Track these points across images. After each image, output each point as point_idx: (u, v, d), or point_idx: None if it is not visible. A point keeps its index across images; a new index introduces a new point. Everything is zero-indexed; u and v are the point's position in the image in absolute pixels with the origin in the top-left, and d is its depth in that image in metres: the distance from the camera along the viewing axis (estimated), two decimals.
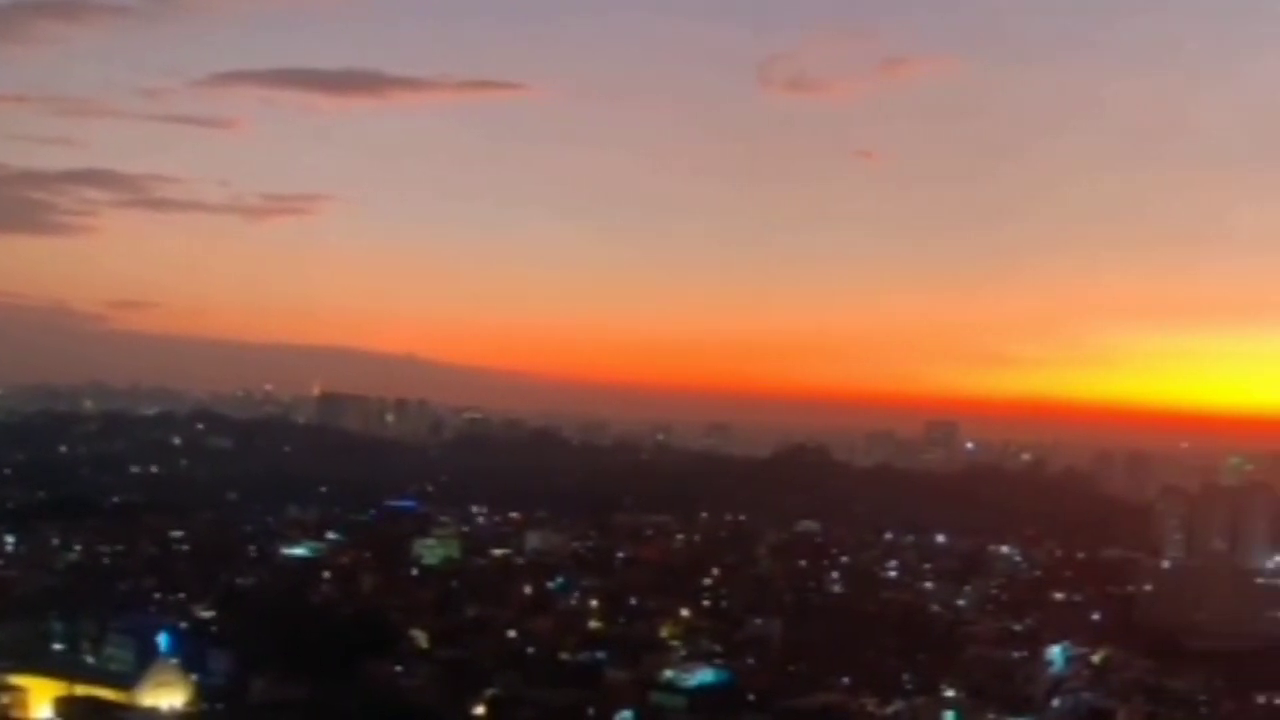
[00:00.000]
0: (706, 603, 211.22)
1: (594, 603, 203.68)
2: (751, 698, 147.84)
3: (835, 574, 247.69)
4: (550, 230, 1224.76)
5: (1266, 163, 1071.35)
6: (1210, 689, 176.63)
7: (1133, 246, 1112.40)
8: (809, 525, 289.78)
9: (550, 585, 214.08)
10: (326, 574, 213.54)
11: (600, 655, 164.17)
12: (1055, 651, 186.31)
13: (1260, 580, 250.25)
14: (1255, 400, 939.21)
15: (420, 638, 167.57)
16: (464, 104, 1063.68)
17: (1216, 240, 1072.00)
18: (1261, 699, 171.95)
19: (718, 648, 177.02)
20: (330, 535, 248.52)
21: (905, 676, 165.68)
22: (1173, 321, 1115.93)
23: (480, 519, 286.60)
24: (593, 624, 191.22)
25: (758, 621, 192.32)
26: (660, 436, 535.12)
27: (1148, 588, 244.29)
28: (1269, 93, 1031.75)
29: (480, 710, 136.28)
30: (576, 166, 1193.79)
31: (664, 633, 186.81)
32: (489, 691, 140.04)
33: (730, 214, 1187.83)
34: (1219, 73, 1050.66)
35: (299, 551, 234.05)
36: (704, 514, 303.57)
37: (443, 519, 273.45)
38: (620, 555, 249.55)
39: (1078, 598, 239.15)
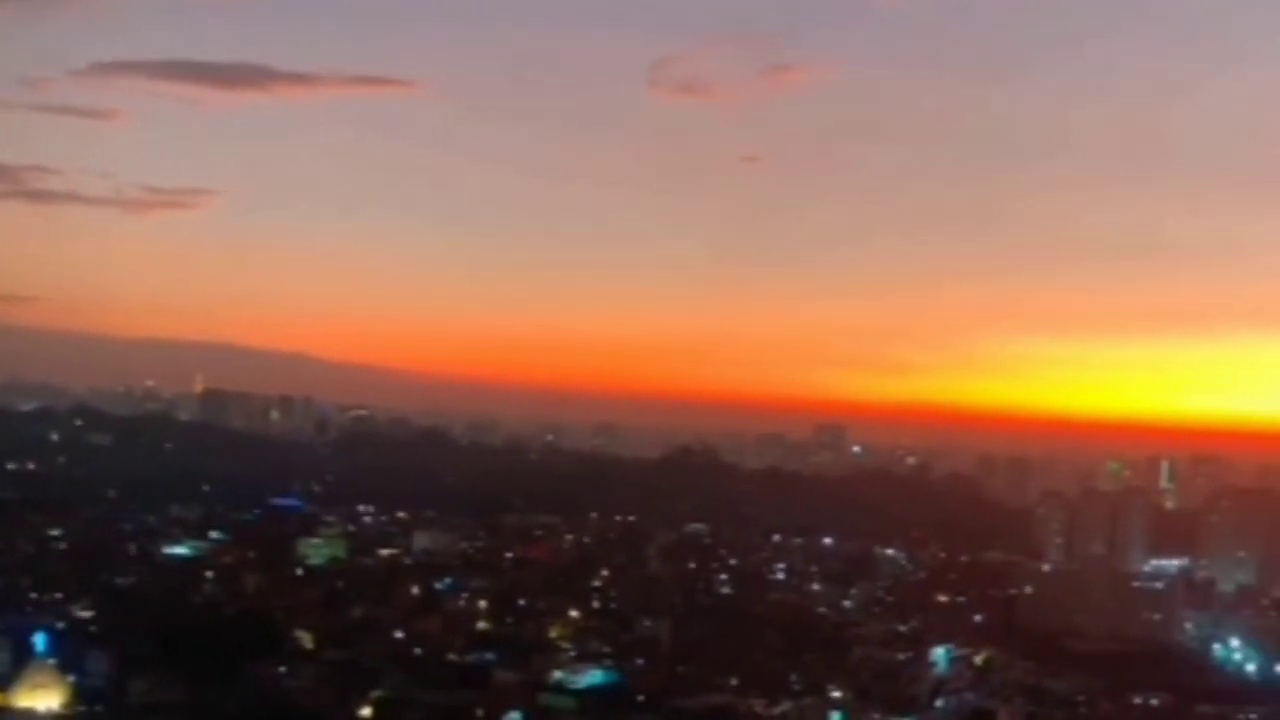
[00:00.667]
0: (596, 604, 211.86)
1: (483, 603, 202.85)
2: (641, 698, 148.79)
3: (724, 575, 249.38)
4: (438, 230, 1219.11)
5: (1145, 173, 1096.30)
6: (1089, 690, 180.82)
7: (1016, 256, 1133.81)
8: (698, 527, 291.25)
9: (438, 586, 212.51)
10: (209, 573, 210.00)
11: (489, 656, 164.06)
12: (939, 653, 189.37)
13: (1137, 583, 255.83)
14: (1132, 407, 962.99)
15: (305, 638, 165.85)
16: (352, 101, 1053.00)
17: (1096, 250, 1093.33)
18: (1138, 700, 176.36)
19: (607, 649, 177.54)
20: (213, 534, 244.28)
21: (793, 677, 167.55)
22: (1053, 330, 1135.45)
23: (367, 518, 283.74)
24: (481, 625, 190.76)
25: (647, 623, 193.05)
26: (549, 437, 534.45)
27: (1029, 590, 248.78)
28: (1146, 102, 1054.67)
29: (367, 712, 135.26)
30: (465, 166, 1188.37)
31: (553, 634, 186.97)
32: (376, 693, 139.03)
33: (619, 216, 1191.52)
34: (1100, 83, 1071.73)
35: (181, 551, 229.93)
36: (593, 515, 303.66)
37: (328, 518, 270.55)
38: (509, 556, 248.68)
39: (961, 600, 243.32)
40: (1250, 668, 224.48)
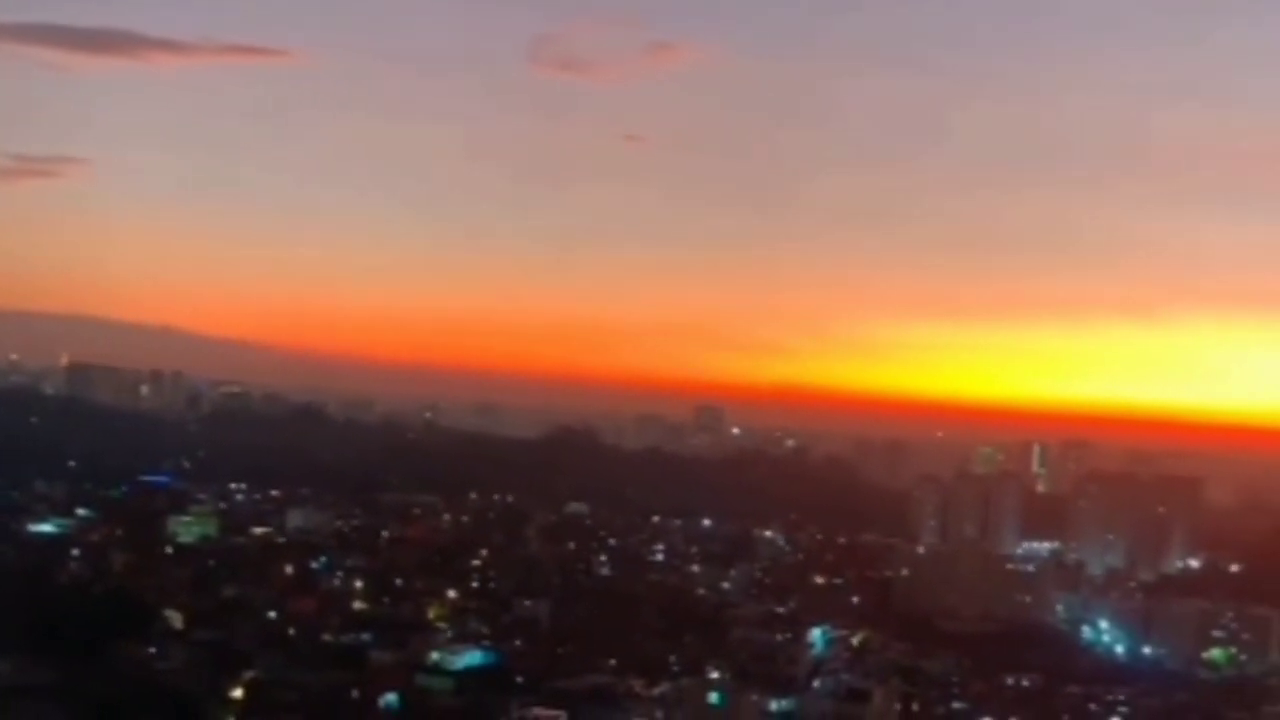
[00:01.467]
0: (474, 584, 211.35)
1: (359, 583, 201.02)
2: (520, 679, 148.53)
3: (604, 556, 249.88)
4: (313, 204, 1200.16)
5: (1018, 164, 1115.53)
6: (961, 670, 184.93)
7: (894, 242, 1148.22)
8: (578, 507, 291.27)
9: (313, 565, 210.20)
10: (76, 552, 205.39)
11: (365, 637, 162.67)
12: (816, 634, 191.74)
13: (1009, 565, 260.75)
14: (1006, 393, 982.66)
15: (176, 618, 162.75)
16: (227, 69, 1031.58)
17: (974, 239, 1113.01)
18: (1009, 680, 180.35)
19: (486, 629, 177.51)
20: (80, 511, 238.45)
21: (672, 658, 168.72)
22: (928, 315, 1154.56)
23: (239, 496, 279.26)
24: (357, 605, 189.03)
25: (526, 603, 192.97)
26: (427, 415, 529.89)
27: (904, 572, 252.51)
28: (1025, 94, 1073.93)
29: (239, 693, 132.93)
30: (342, 140, 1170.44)
31: (431, 614, 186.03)
32: (248, 674, 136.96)
33: (499, 193, 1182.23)
34: (978, 73, 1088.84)
35: (46, 528, 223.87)
36: (472, 495, 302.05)
37: (200, 496, 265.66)
38: (386, 535, 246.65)
39: (838, 581, 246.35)
40: (1118, 649, 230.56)
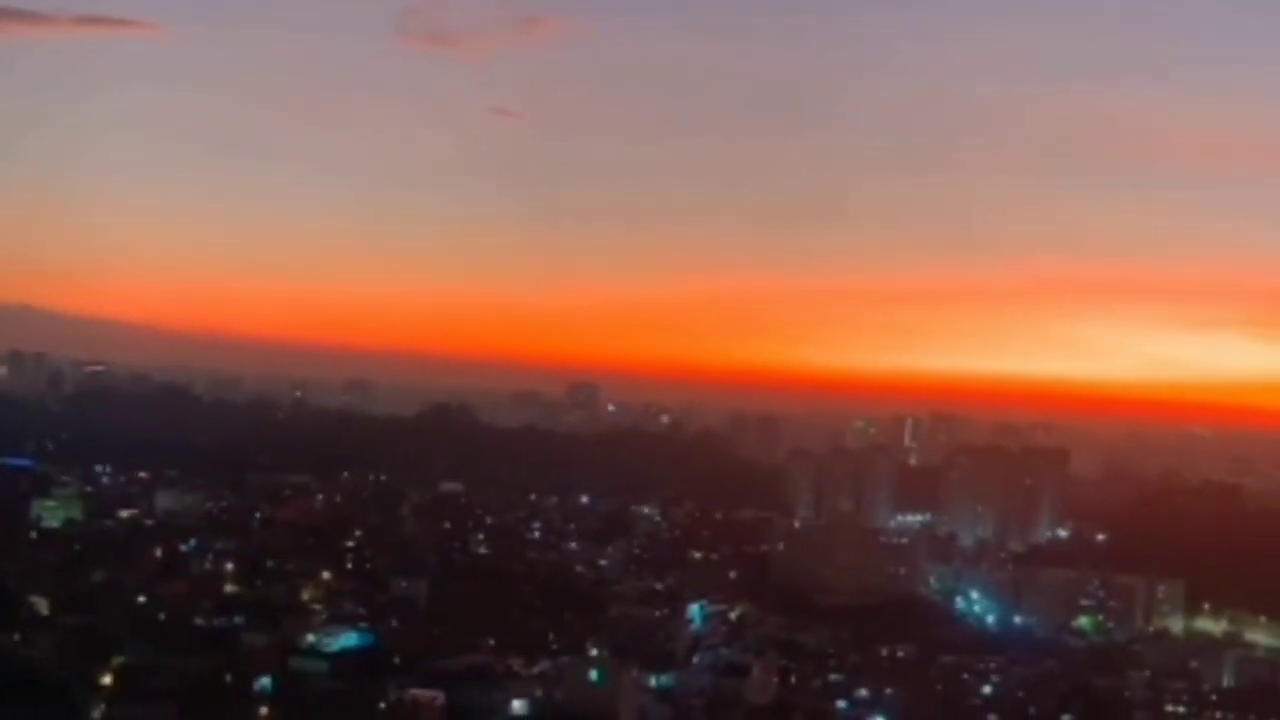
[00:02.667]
0: (349, 565, 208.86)
1: (230, 566, 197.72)
2: (397, 660, 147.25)
3: (480, 535, 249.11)
4: (177, 178, 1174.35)
5: (901, 145, 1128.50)
6: (838, 642, 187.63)
7: (767, 216, 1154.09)
8: (453, 486, 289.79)
9: (183, 548, 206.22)
10: None
11: (238, 620, 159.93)
12: (695, 609, 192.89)
13: (883, 539, 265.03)
14: (877, 366, 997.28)
15: (41, 604, 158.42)
16: (84, 41, 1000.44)
17: (846, 216, 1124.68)
18: (885, 651, 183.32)
19: (361, 610, 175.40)
20: None
21: (551, 636, 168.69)
22: (801, 289, 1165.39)
23: (105, 478, 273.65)
24: (229, 588, 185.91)
25: (402, 583, 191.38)
26: (297, 394, 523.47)
27: (780, 547, 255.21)
28: (911, 76, 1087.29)
29: (108, 680, 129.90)
30: (207, 113, 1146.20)
31: (305, 596, 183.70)
32: (118, 660, 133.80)
33: (366, 168, 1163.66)
34: (859, 52, 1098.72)
35: None
36: (345, 474, 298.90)
37: (64, 478, 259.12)
38: (257, 516, 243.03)
39: (715, 557, 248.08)
40: (990, 619, 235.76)
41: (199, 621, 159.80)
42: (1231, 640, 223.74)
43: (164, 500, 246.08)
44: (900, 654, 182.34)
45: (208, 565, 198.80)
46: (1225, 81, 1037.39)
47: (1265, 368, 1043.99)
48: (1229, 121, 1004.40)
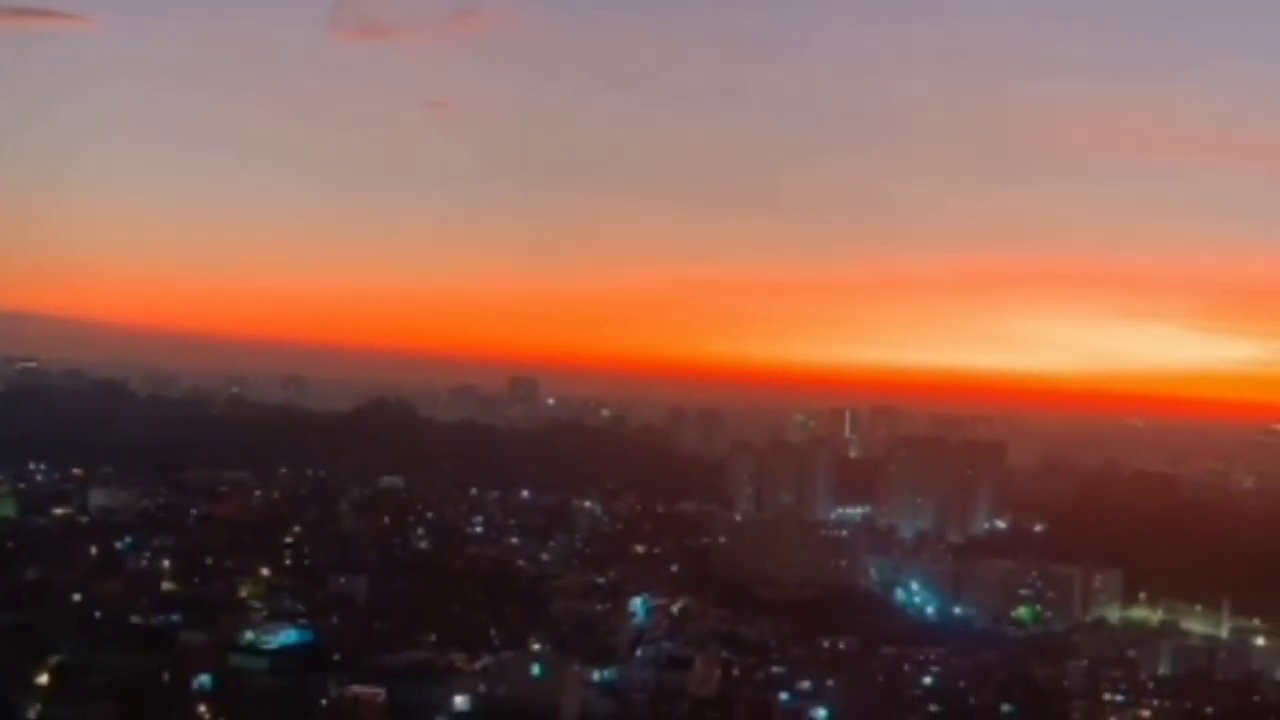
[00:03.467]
0: (288, 561, 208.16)
1: (167, 563, 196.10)
2: (337, 657, 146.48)
3: (420, 530, 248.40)
4: (112, 172, 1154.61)
5: (839, 134, 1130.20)
6: (780, 635, 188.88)
7: (705, 208, 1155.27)
8: (393, 481, 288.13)
9: (119, 545, 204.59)
10: None
11: (175, 618, 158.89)
12: (637, 603, 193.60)
13: (824, 531, 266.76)
14: (817, 360, 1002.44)
15: None
16: (13, 34, 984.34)
17: (786, 206, 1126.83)
18: (826, 643, 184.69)
19: (300, 607, 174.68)
20: None
21: (493, 631, 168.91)
22: (742, 282, 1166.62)
23: (38, 476, 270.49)
24: (166, 585, 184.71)
25: (342, 579, 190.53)
26: (234, 389, 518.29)
27: (722, 540, 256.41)
28: (847, 65, 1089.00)
29: (44, 679, 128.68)
30: (140, 106, 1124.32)
31: (243, 593, 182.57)
32: (54, 659, 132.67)
33: (302, 162, 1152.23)
34: (792, 39, 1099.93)
35: None
36: (283, 470, 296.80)
37: None
38: (194, 513, 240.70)
39: (657, 550, 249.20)
40: (930, 610, 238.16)
41: (136, 619, 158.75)
42: (1167, 629, 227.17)
43: (99, 497, 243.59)
44: (841, 646, 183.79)
45: (144, 563, 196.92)
46: (1161, 75, 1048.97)
47: (1200, 360, 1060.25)
48: (1166, 115, 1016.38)
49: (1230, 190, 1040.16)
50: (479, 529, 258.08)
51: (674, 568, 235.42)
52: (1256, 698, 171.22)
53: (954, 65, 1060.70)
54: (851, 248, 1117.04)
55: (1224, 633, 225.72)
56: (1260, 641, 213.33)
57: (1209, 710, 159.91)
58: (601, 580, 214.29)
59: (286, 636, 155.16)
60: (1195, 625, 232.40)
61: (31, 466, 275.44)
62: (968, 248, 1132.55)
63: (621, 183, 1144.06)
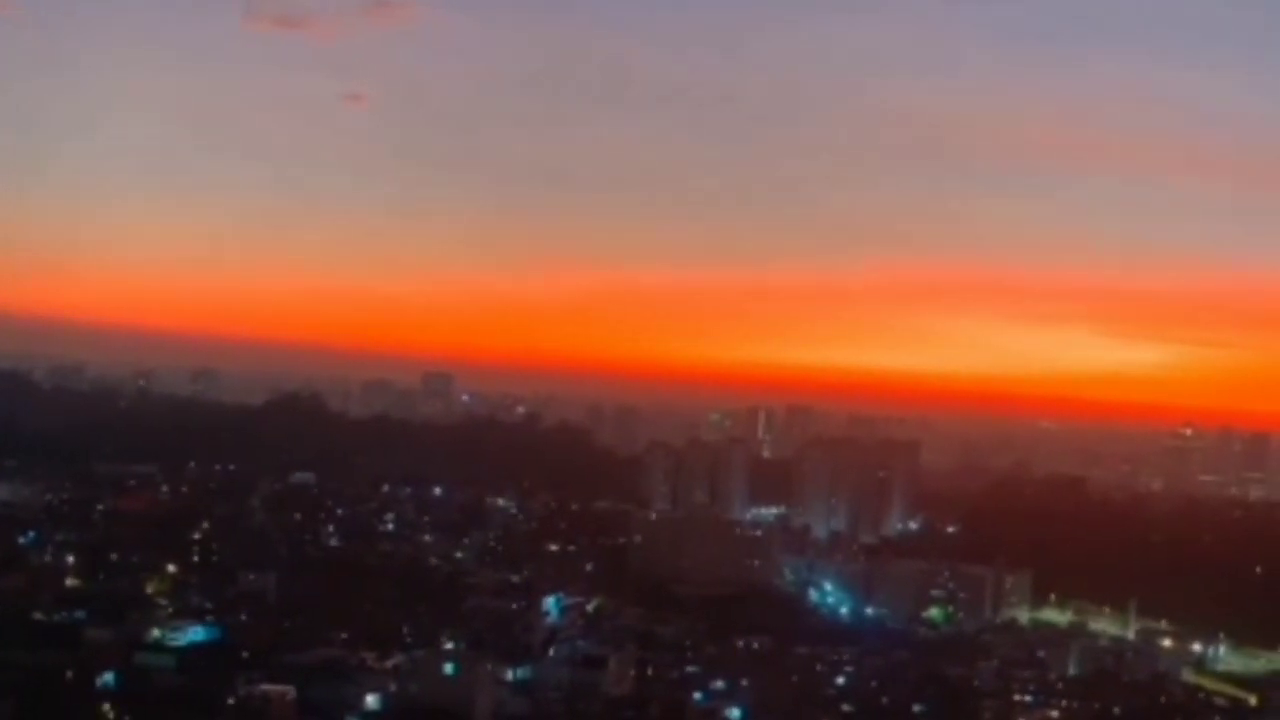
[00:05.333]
0: (196, 557, 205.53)
1: (71, 558, 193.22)
2: (246, 655, 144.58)
3: (332, 527, 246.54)
4: (14, 159, 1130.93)
5: (769, 130, 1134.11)
6: (695, 634, 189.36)
7: (625, 204, 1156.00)
8: (304, 476, 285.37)
9: (21, 540, 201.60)
10: None
11: (79, 614, 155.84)
12: (551, 601, 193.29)
13: (739, 530, 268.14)
14: (732, 358, 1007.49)
15: None
16: None
17: (705, 201, 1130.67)
18: (740, 642, 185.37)
19: (209, 604, 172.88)
20: None
21: (405, 629, 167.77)
22: (658, 279, 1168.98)
23: None
24: (70, 581, 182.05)
25: (251, 576, 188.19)
26: (142, 382, 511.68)
27: (637, 538, 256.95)
28: (767, 61, 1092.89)
29: None
30: (44, 95, 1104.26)
31: (150, 589, 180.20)
32: None
33: (213, 152, 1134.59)
34: (722, 39, 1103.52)
35: None
36: (192, 464, 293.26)
37: None
38: (100, 507, 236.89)
39: (572, 549, 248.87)
40: (843, 610, 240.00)
41: (38, 616, 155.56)
42: (1077, 630, 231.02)
43: (1, 491, 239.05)
44: (755, 645, 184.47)
45: (47, 558, 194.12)
46: (1075, 80, 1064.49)
47: (1110, 364, 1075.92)
48: (1079, 122, 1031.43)
49: (1139, 198, 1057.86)
50: (392, 526, 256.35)
51: (589, 566, 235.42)
52: (1163, 698, 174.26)
53: (873, 65, 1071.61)
54: (768, 250, 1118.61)
55: (1131, 634, 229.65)
56: (1166, 643, 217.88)
57: (1117, 710, 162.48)
58: (516, 578, 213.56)
59: (194, 634, 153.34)
60: (1104, 626, 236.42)
61: None
62: (884, 251, 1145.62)
63: (538, 181, 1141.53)
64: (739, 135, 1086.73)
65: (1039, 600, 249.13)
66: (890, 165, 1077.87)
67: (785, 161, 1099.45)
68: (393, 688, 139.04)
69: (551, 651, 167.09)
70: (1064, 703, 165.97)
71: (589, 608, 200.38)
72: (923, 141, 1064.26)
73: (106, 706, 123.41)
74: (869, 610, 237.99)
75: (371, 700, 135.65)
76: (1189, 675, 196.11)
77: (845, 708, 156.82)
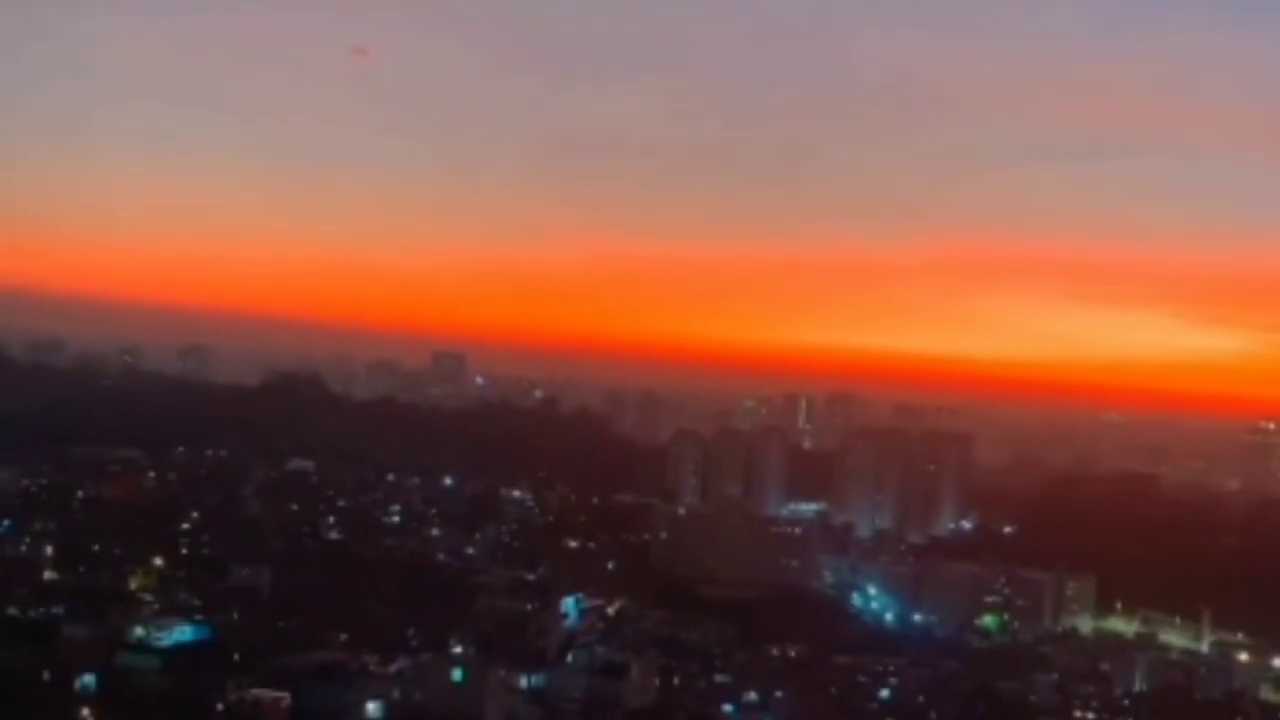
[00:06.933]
0: (184, 550, 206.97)
1: (49, 549, 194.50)
2: (237, 657, 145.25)
3: (332, 518, 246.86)
4: None
5: (798, 99, 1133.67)
6: (724, 640, 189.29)
7: (648, 175, 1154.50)
8: (302, 464, 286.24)
9: None
10: None
11: (57, 610, 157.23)
12: (569, 603, 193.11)
13: (774, 528, 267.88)
14: (768, 341, 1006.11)
15: None
16: None
17: (739, 178, 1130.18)
18: (775, 650, 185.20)
19: (197, 601, 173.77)
20: None
21: (410, 631, 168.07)
22: (686, 257, 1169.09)
23: None
24: (48, 574, 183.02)
25: (244, 571, 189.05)
26: (127, 358, 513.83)
27: (663, 535, 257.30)
28: (781, 14, 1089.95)
29: None
30: (11, 50, 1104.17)
31: (134, 584, 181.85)
32: None
33: (202, 105, 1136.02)
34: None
35: None
36: (181, 449, 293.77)
37: None
38: (81, 495, 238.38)
39: (592, 545, 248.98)
40: (888, 616, 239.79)
41: (13, 612, 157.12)
42: (1144, 641, 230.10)
43: None
44: (791, 653, 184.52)
45: (24, 549, 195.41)
46: (1151, 45, 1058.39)
47: (1182, 350, 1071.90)
48: (1155, 87, 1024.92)
49: (1222, 171, 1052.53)
50: (397, 518, 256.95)
51: (610, 565, 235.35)
52: (1239, 717, 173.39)
53: (920, 26, 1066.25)
54: (808, 223, 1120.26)
55: (1205, 647, 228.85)
56: (1243, 657, 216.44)
57: None
58: (530, 577, 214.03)
59: (181, 633, 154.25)
60: (1174, 638, 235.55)
61: None
62: (935, 225, 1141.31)
63: (558, 146, 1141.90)
64: (770, 99, 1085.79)
65: (1103, 609, 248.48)
66: (941, 131, 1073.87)
67: (826, 127, 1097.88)
68: (396, 694, 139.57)
69: (569, 658, 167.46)
70: None
71: (609, 610, 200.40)
72: (977, 104, 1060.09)
73: (86, 711, 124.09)
74: (916, 617, 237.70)
75: (373, 708, 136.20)
76: (1268, 693, 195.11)
77: None
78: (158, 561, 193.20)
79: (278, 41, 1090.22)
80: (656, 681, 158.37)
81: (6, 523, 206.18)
